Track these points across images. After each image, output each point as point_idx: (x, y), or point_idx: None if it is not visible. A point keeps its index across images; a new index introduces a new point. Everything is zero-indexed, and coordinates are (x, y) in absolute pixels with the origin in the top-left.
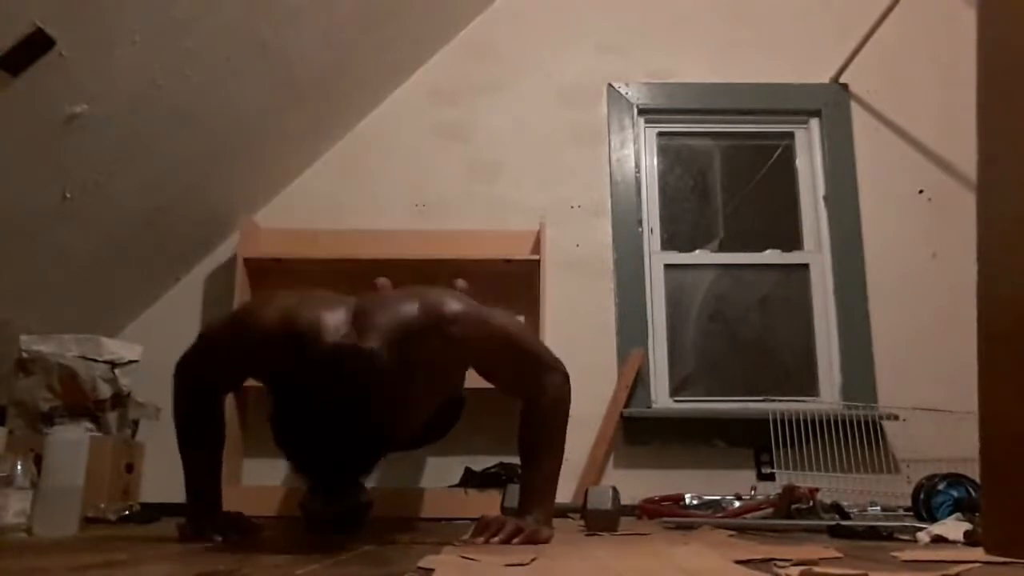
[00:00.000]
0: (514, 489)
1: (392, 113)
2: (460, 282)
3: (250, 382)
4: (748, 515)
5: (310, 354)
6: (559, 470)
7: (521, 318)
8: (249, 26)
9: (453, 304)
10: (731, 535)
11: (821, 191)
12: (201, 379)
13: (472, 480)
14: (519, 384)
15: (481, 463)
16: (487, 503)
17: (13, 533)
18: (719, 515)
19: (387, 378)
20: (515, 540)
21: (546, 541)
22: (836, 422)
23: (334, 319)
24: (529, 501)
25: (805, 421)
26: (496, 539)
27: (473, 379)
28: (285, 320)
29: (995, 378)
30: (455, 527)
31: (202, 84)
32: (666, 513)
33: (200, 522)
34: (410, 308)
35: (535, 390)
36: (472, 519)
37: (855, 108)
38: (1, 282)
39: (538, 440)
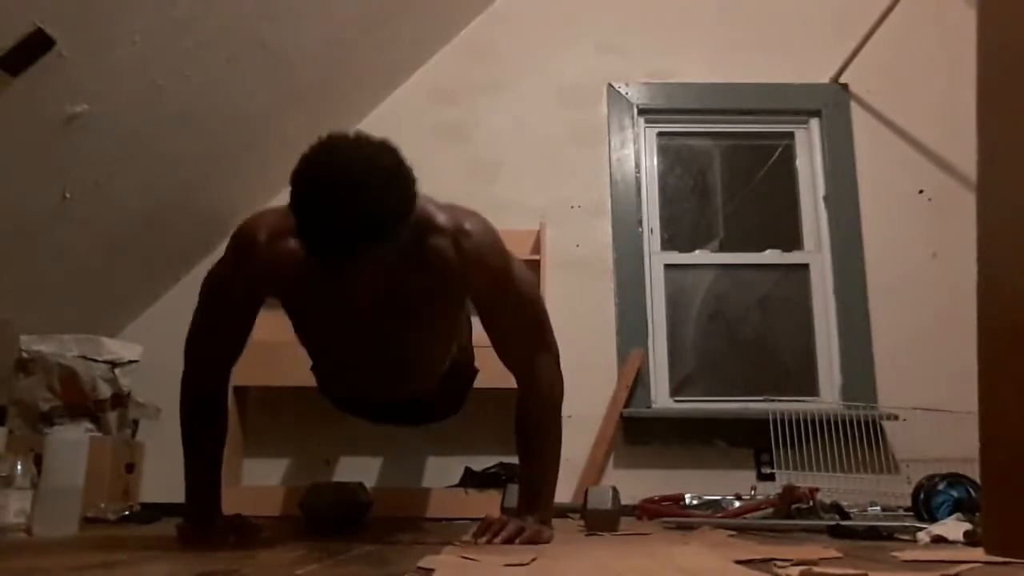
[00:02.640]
0: (514, 489)
1: (392, 113)
2: None
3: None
4: (748, 515)
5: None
6: (558, 469)
7: None
8: (249, 26)
9: (477, 223)
10: (731, 535)
11: (821, 191)
12: (213, 336)
13: (472, 480)
14: (515, 344)
15: (481, 463)
16: (487, 503)
17: (13, 533)
18: (719, 515)
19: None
20: (517, 540)
21: (547, 541)
22: (836, 422)
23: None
24: (529, 502)
25: (805, 421)
26: (498, 539)
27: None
28: (286, 215)
29: (995, 378)
30: (455, 527)
31: (202, 84)
32: (666, 513)
33: (200, 523)
34: (433, 206)
35: (531, 364)
36: (472, 519)
37: (855, 108)
38: (1, 282)
39: (534, 439)
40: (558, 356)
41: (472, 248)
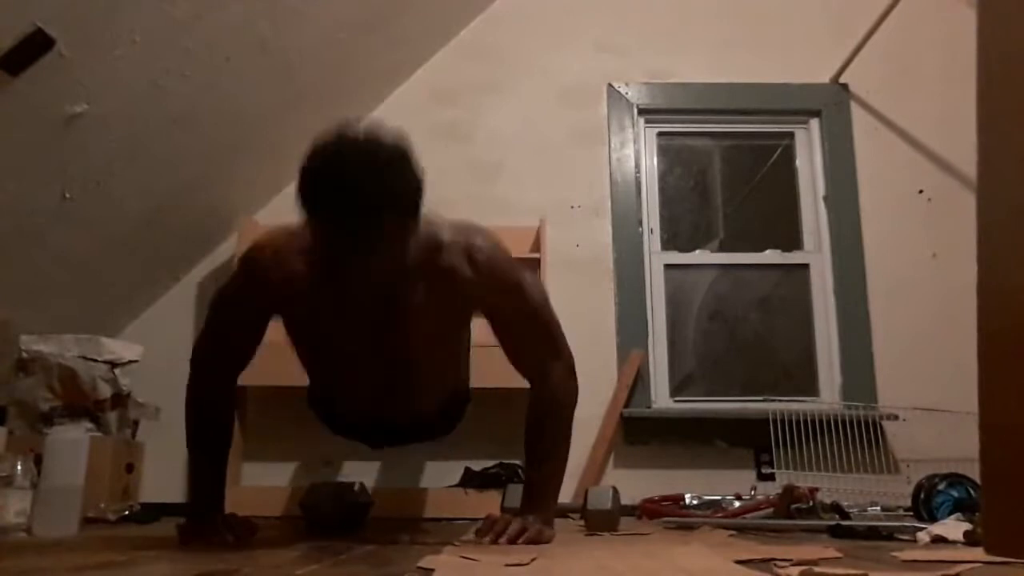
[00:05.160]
0: (514, 489)
1: (392, 113)
2: None
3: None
4: (748, 515)
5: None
6: (563, 471)
7: None
8: (249, 26)
9: (486, 237)
10: (731, 535)
11: (821, 191)
12: (219, 349)
13: (472, 480)
14: (529, 352)
15: (481, 463)
16: (487, 503)
17: (13, 533)
18: (719, 515)
19: (400, 263)
20: (520, 540)
21: (548, 541)
22: (836, 422)
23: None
24: (532, 501)
25: (805, 421)
26: (503, 539)
27: (474, 379)
28: (294, 234)
29: (995, 378)
30: (455, 527)
31: (202, 84)
32: (666, 513)
33: (201, 522)
34: (441, 224)
35: (543, 368)
36: (472, 519)
37: (855, 108)
38: (1, 282)
39: (544, 432)
40: (572, 362)
41: (486, 263)
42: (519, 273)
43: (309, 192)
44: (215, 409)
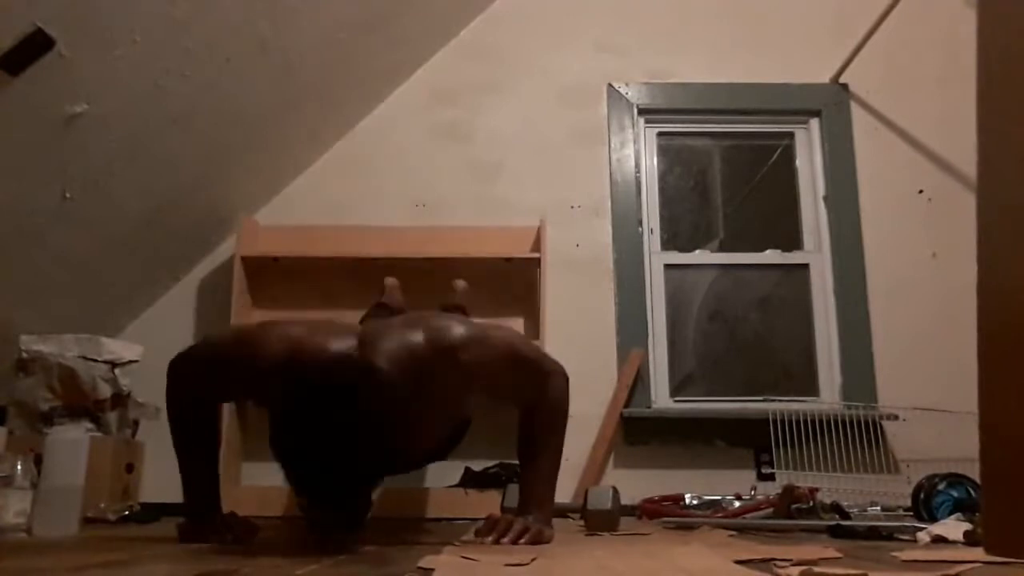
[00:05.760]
0: (514, 489)
1: (392, 113)
2: (460, 282)
3: None
4: (748, 515)
5: (313, 374)
6: (558, 470)
7: (521, 319)
8: (249, 26)
9: (458, 330)
10: (731, 535)
11: (821, 191)
12: (196, 388)
13: (472, 480)
14: (522, 395)
15: (481, 463)
16: (487, 503)
17: (13, 533)
18: (719, 515)
19: (392, 397)
20: (522, 540)
21: (548, 541)
22: (836, 422)
23: (340, 344)
24: (529, 502)
25: (805, 421)
26: (506, 539)
27: None
28: (291, 346)
29: (995, 378)
30: (455, 527)
31: (202, 84)
32: (666, 513)
33: (200, 522)
34: (416, 336)
35: (538, 396)
36: (472, 519)
37: (855, 108)
38: (1, 282)
39: (538, 442)
40: (561, 368)
41: (468, 358)
42: (496, 340)
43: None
44: (198, 412)
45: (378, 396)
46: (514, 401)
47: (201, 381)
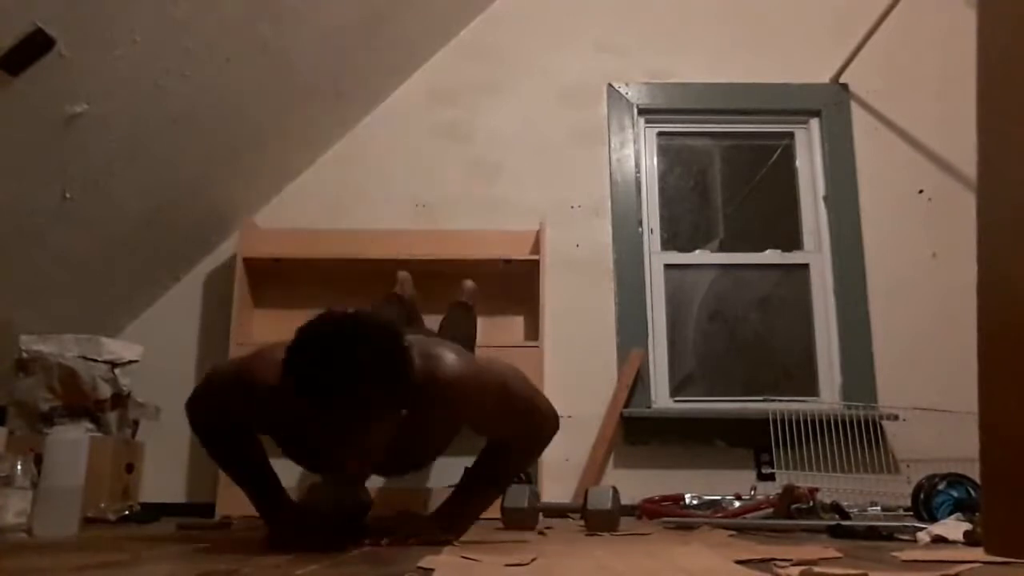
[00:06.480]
0: (514, 489)
1: (392, 113)
2: (468, 283)
3: None
4: (748, 515)
5: (310, 403)
6: (497, 497)
7: (521, 319)
8: (249, 26)
9: (450, 368)
10: (731, 535)
11: (821, 191)
12: (213, 424)
13: None
14: (505, 432)
15: None
16: None
17: (13, 533)
18: (719, 515)
19: (379, 419)
20: (411, 541)
21: (444, 544)
22: (836, 422)
23: None
24: (454, 515)
25: (805, 421)
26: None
27: None
28: (279, 371)
29: (995, 378)
30: None
31: (202, 84)
32: (666, 513)
33: (285, 527)
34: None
35: (521, 436)
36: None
37: (855, 108)
38: (1, 282)
39: (499, 470)
40: (557, 420)
41: (456, 396)
42: (489, 381)
43: (298, 382)
44: (227, 441)
45: (364, 419)
46: (496, 436)
47: (213, 419)
